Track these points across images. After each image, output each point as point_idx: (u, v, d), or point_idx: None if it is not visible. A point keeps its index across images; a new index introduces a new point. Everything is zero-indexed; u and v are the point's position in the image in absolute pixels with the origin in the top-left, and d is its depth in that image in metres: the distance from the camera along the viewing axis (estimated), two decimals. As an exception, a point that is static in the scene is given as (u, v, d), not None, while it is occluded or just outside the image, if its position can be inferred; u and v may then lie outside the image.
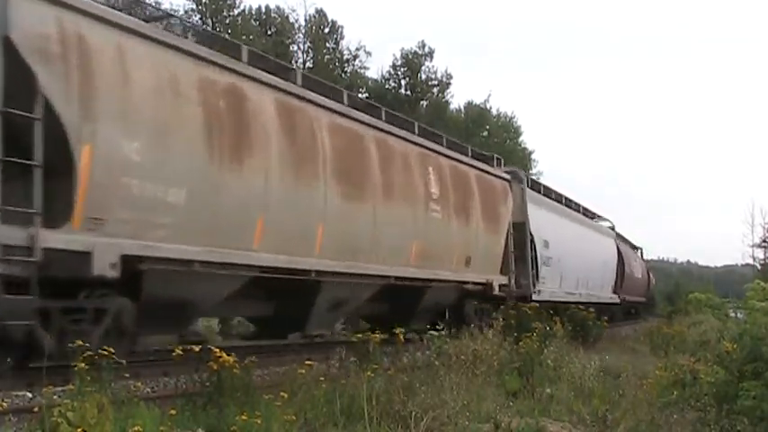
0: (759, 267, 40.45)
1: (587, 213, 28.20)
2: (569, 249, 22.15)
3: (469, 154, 16.63)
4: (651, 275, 43.79)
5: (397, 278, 12.86)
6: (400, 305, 13.62)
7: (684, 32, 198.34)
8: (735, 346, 7.41)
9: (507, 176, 18.34)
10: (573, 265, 22.51)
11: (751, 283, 8.46)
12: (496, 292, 16.45)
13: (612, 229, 32.06)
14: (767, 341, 6.95)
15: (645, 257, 44.57)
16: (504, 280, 17.06)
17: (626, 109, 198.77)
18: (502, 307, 15.36)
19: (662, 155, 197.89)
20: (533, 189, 20.97)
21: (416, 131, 14.40)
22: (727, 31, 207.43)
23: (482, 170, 16.78)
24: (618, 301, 29.78)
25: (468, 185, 15.85)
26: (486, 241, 16.32)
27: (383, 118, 13.24)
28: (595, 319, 17.60)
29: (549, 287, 20.38)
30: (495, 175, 17.58)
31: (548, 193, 22.82)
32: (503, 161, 18.99)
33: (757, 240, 41.36)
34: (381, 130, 12.88)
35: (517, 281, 17.77)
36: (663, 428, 7.28)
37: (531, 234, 18.79)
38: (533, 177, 22.51)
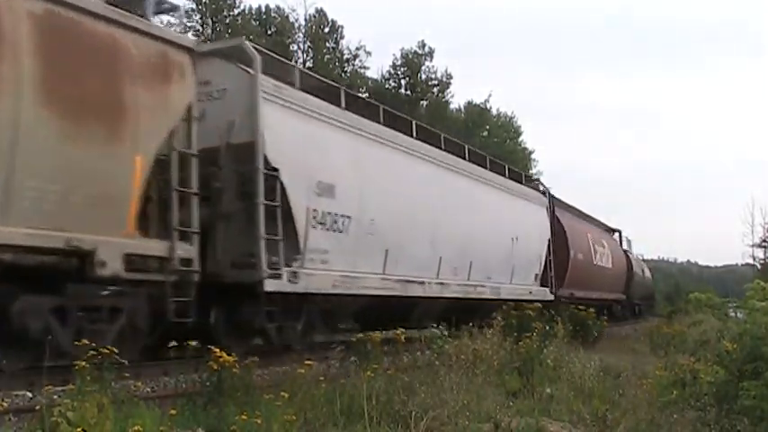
0: (759, 267, 40.59)
1: (481, 162, 18.04)
2: (417, 209, 13.92)
3: None
4: (637, 267, 35.79)
5: None
6: None
7: (685, 31, 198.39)
8: (735, 345, 7.41)
9: (186, 42, 9.51)
10: (423, 237, 14.14)
11: (751, 283, 8.45)
12: (115, 271, 8.09)
13: (545, 194, 22.51)
14: (767, 341, 6.96)
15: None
16: (150, 248, 8.69)
17: (626, 109, 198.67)
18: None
19: (662, 155, 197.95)
20: (305, 87, 11.48)
21: None
22: (726, 30, 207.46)
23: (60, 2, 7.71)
24: (550, 297, 20.39)
25: None
26: (58, 159, 7.57)
27: None
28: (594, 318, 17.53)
29: (340, 269, 11.67)
30: (133, 29, 8.50)
31: (357, 105, 13.11)
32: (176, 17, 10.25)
33: (757, 240, 41.62)
34: None
35: (231, 255, 10.12)
36: (663, 428, 7.29)
37: (271, 167, 10.20)
38: (317, 76, 13.39)
